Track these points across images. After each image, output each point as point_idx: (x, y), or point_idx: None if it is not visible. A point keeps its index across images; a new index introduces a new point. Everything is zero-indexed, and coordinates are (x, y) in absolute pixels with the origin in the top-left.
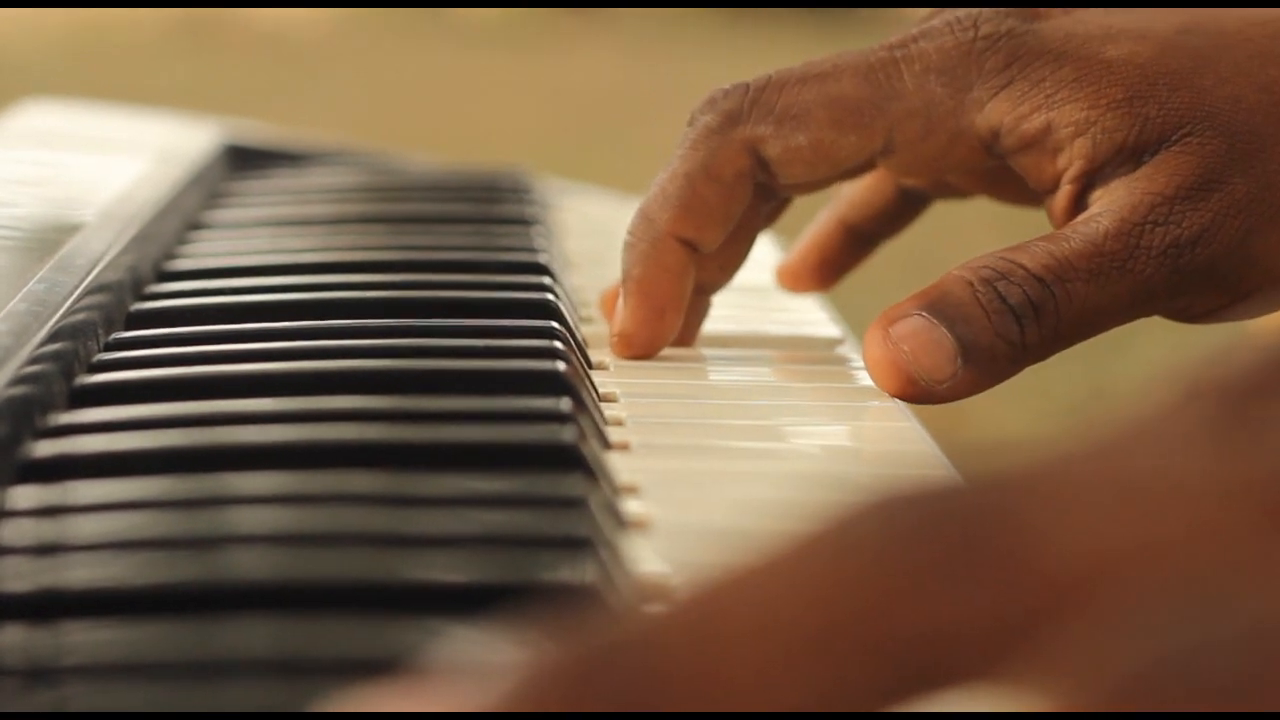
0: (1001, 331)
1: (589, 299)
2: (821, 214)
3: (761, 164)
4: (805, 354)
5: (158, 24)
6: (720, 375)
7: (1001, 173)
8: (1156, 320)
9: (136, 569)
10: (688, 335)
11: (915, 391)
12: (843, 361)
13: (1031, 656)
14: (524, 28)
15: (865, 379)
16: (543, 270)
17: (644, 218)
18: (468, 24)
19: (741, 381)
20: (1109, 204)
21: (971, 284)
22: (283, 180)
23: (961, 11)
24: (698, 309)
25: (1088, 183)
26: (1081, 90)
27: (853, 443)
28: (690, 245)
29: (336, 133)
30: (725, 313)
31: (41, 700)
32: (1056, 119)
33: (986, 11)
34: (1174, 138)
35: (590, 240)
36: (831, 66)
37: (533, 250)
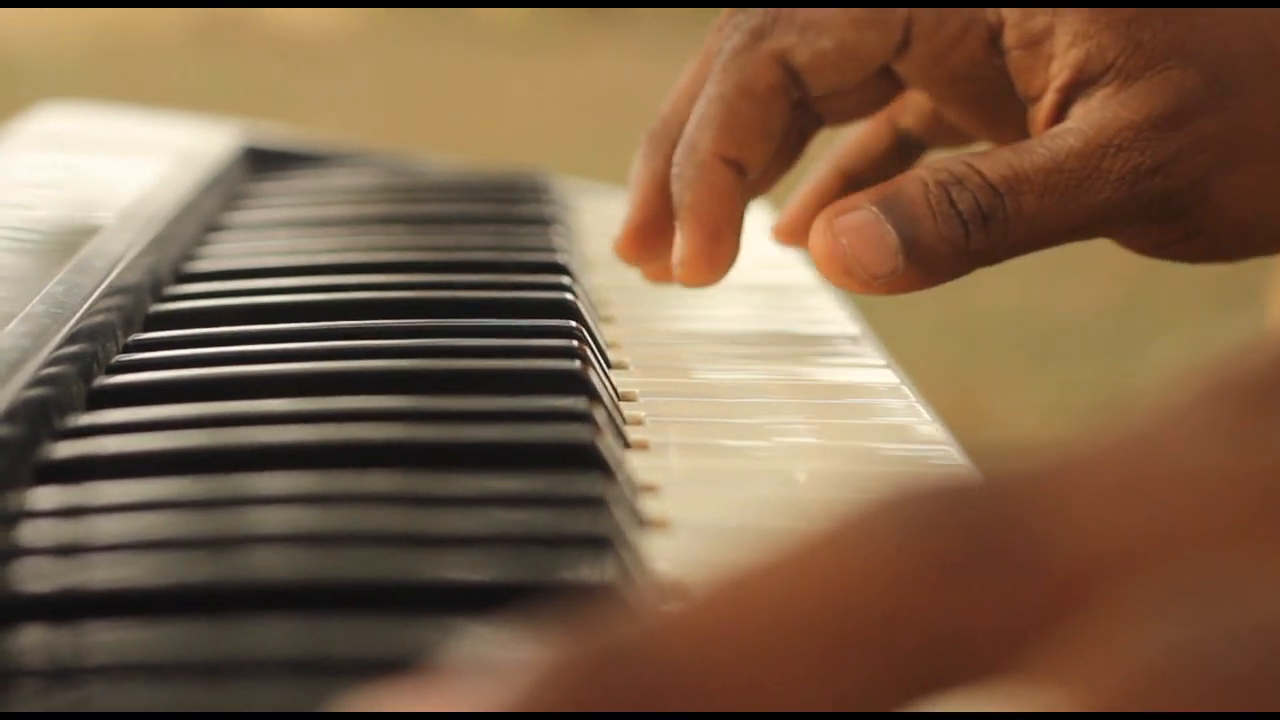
0: (947, 234)
1: (608, 298)
2: (817, 166)
3: (792, 75)
4: (823, 352)
5: (177, 26)
6: (738, 374)
7: (984, 93)
8: (1175, 318)
9: (156, 569)
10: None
11: (852, 282)
12: (861, 360)
13: (1046, 653)
14: (543, 30)
15: (885, 376)
16: (562, 270)
17: (687, 145)
18: (487, 26)
19: (759, 380)
20: (1079, 121)
21: (926, 184)
22: (301, 181)
23: None
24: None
25: (1071, 94)
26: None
27: (871, 441)
28: (736, 166)
29: (355, 134)
30: (743, 311)
31: (62, 700)
32: (1058, 23)
33: None
34: (1159, 66)
35: (609, 240)
36: None
37: (552, 250)
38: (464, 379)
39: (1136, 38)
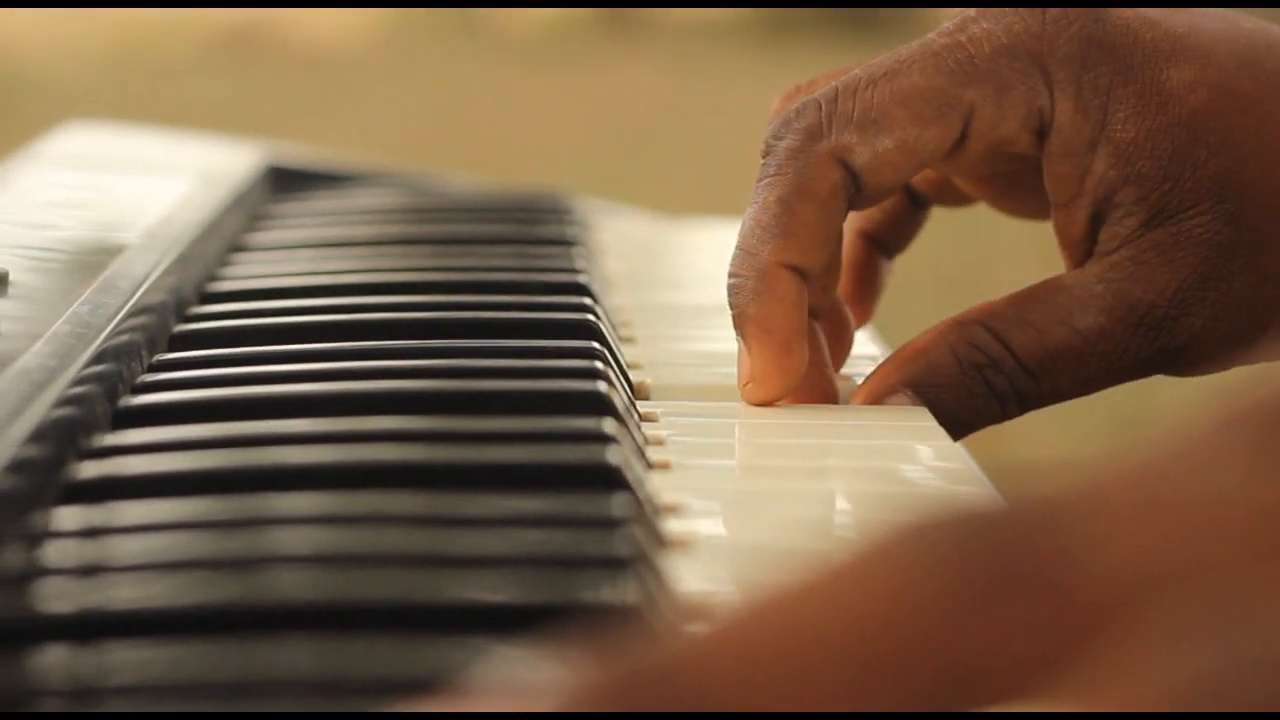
0: (983, 412)
1: (629, 319)
2: None
3: (851, 175)
4: (845, 372)
5: (197, 43)
6: None
7: (1014, 178)
8: None
9: (180, 589)
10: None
11: None
12: None
13: (1068, 679)
14: (564, 44)
15: (899, 395)
16: (583, 291)
17: (745, 253)
18: (508, 39)
19: (780, 401)
20: (1105, 287)
21: (959, 364)
22: (324, 202)
23: None
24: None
25: (1101, 213)
26: (1136, 119)
27: (893, 462)
28: (798, 271)
29: (376, 147)
30: None
31: None
32: (1104, 138)
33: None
34: (1191, 211)
35: (630, 261)
36: (896, 62)
37: (573, 271)
38: (486, 400)
39: (1176, 175)
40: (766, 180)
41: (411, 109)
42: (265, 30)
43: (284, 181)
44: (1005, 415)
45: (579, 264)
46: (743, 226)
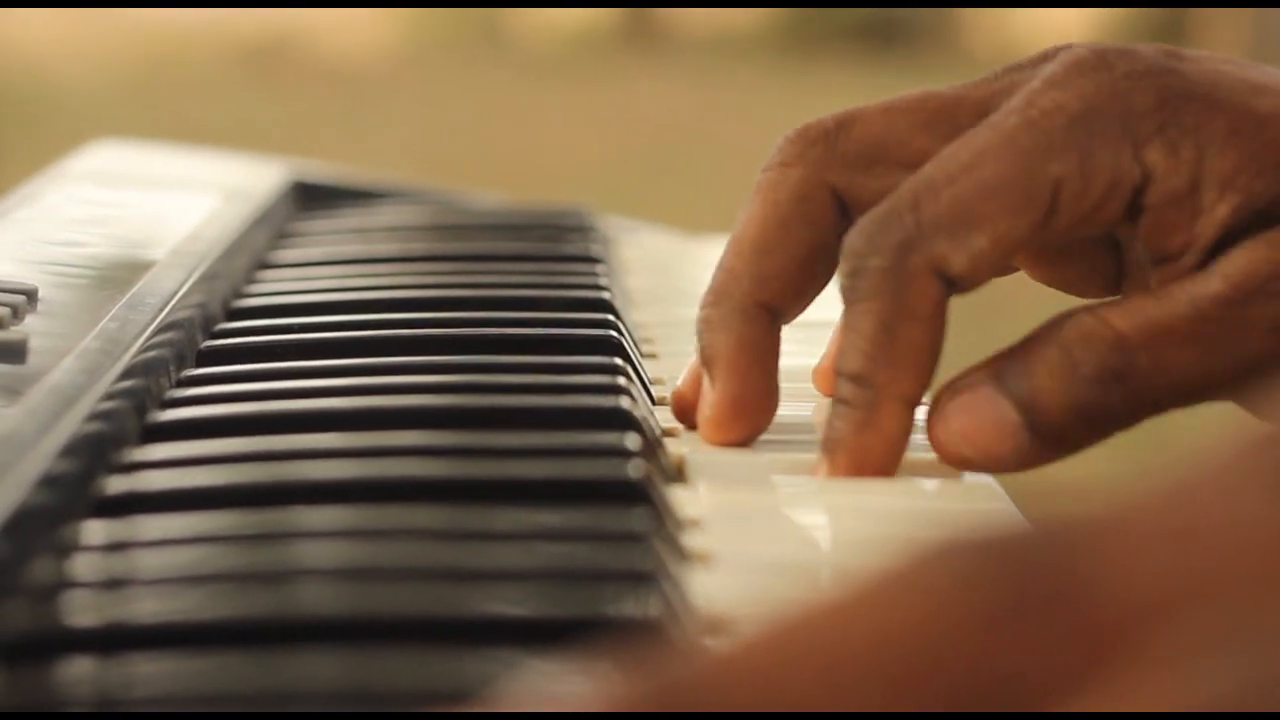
0: (1074, 402)
1: (651, 335)
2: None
3: (949, 283)
4: None
5: (223, 57)
6: (781, 409)
7: (1073, 251)
8: None
9: (206, 603)
10: None
11: (972, 468)
12: None
13: (1091, 700)
14: (587, 56)
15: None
16: (606, 307)
17: (854, 384)
18: (531, 53)
19: (802, 416)
20: (1221, 265)
21: (1045, 346)
22: (349, 219)
23: (1078, 48)
24: None
25: (1214, 253)
26: (1234, 145)
27: (912, 478)
28: (907, 402)
29: (400, 161)
30: (789, 347)
31: None
32: (1205, 175)
33: (1111, 48)
34: None
35: (652, 277)
36: (971, 153)
37: (596, 287)
38: (510, 415)
39: None
40: (861, 306)
41: (435, 122)
42: (290, 44)
43: (309, 198)
44: (1103, 412)
45: (601, 280)
46: (840, 354)
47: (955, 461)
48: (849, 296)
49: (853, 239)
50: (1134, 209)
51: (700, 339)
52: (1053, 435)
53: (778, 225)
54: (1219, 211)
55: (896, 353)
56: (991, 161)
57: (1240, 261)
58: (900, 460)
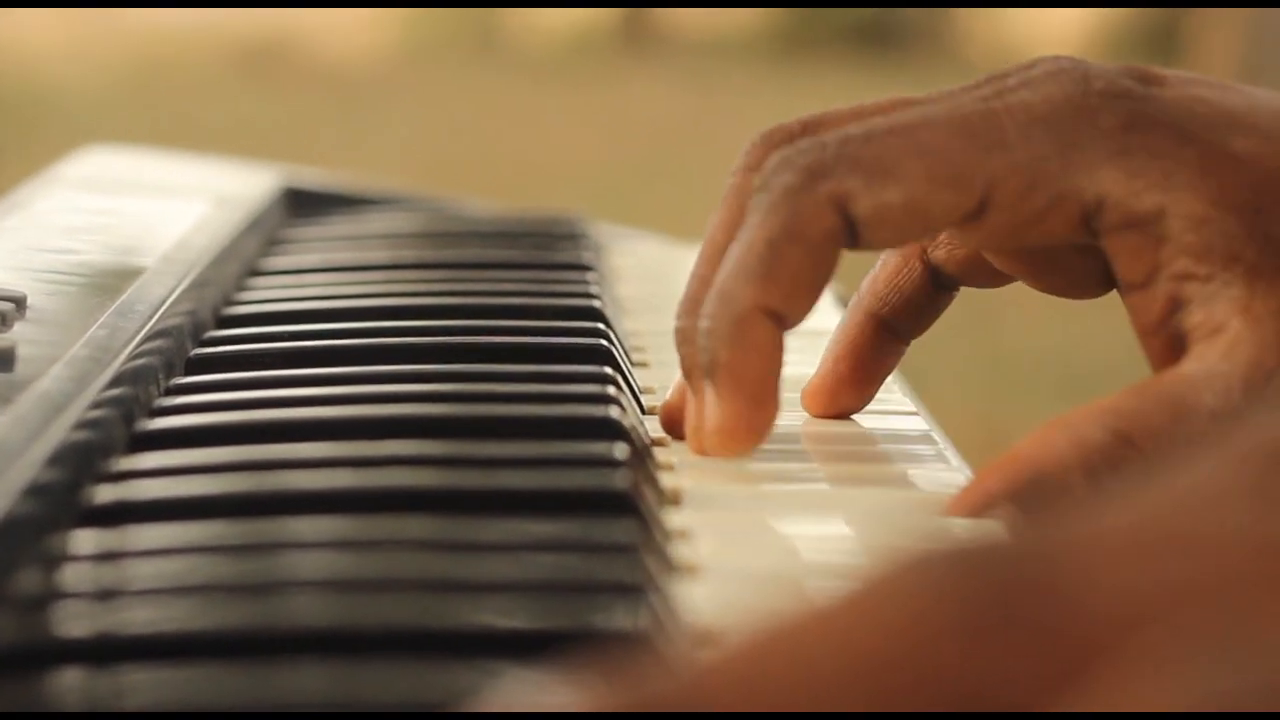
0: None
1: (642, 344)
2: (845, 314)
3: (848, 223)
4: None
5: (216, 60)
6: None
7: (1052, 255)
8: None
9: (196, 613)
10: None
11: None
12: (892, 406)
13: (1070, 708)
14: (582, 59)
15: (915, 423)
16: (597, 315)
17: (722, 297)
18: (525, 56)
19: (791, 427)
20: (1237, 365)
21: (1074, 472)
22: (340, 226)
23: (1063, 60)
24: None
25: (1186, 283)
26: (1205, 180)
27: (905, 490)
28: (779, 318)
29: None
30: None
31: None
32: (1172, 204)
33: (1095, 65)
34: None
35: (644, 285)
36: (922, 118)
37: (587, 295)
38: (500, 425)
39: (1265, 231)
40: (755, 219)
41: (432, 124)
42: (287, 46)
43: (300, 204)
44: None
45: (593, 288)
46: (723, 265)
47: None
48: (750, 210)
49: (772, 157)
50: (1091, 227)
51: (678, 350)
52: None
53: (786, 235)
54: (1186, 241)
55: (771, 270)
56: (939, 132)
57: (1250, 356)
58: (778, 384)
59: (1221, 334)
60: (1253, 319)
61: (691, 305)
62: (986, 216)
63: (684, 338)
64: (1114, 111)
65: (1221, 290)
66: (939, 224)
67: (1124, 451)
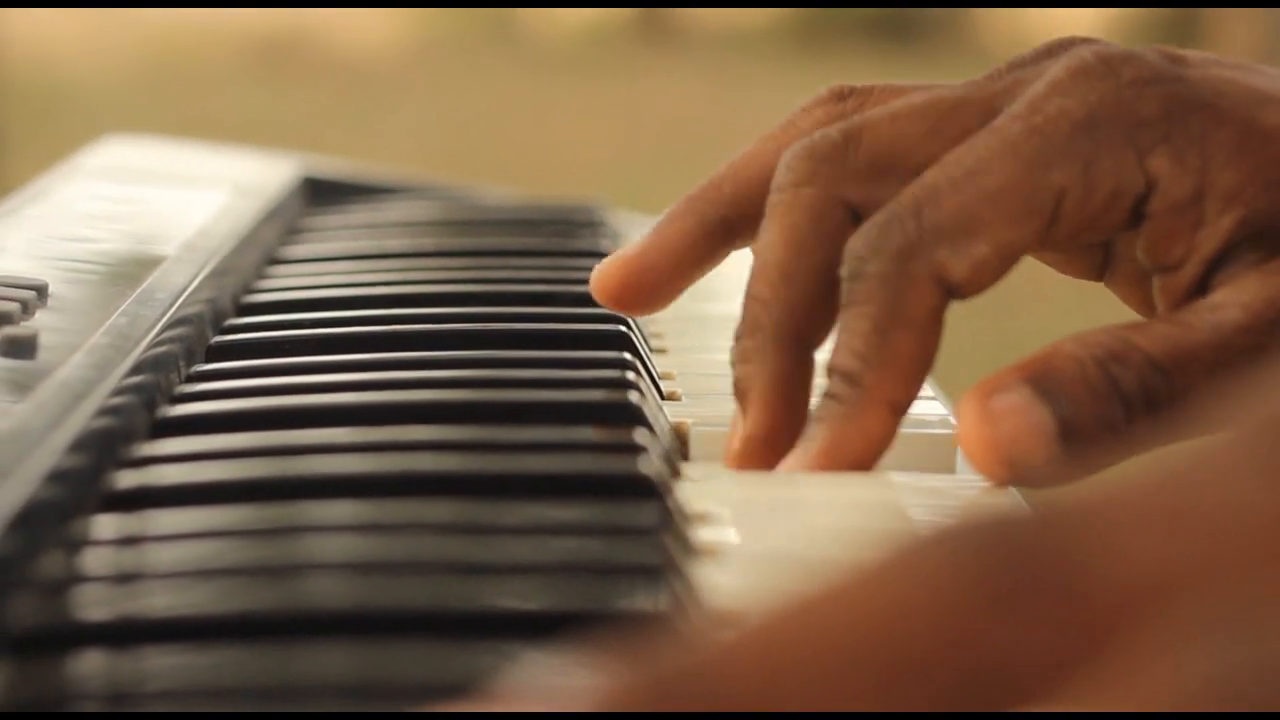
0: (1107, 419)
1: (661, 330)
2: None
3: (948, 290)
4: None
5: (234, 53)
6: None
7: (1097, 254)
8: None
9: (217, 596)
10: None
11: (1011, 474)
12: None
13: (1087, 683)
14: (599, 51)
15: (934, 408)
16: None
17: (847, 380)
18: (543, 48)
19: (813, 409)
20: (1236, 292)
21: (1082, 362)
22: (359, 214)
23: (1081, 48)
24: None
25: (1214, 265)
26: (1239, 158)
27: (919, 471)
28: (894, 409)
29: (412, 156)
30: None
31: None
32: (1210, 186)
33: (1116, 52)
34: None
35: None
36: (975, 160)
37: None
38: (520, 410)
39: None
40: (855, 309)
41: (447, 119)
42: (303, 42)
43: (320, 194)
44: (1130, 422)
45: None
46: (833, 355)
47: (994, 465)
48: (847, 299)
49: (854, 242)
50: (1136, 217)
51: (734, 370)
52: (1081, 451)
53: (797, 249)
54: (1222, 224)
55: (887, 357)
56: (995, 169)
57: (1257, 289)
58: (876, 463)
59: (1235, 281)
60: (1266, 272)
61: (751, 327)
62: (1057, 228)
63: (742, 356)
64: (1150, 98)
65: (1245, 257)
66: (1023, 253)
67: (1130, 353)
